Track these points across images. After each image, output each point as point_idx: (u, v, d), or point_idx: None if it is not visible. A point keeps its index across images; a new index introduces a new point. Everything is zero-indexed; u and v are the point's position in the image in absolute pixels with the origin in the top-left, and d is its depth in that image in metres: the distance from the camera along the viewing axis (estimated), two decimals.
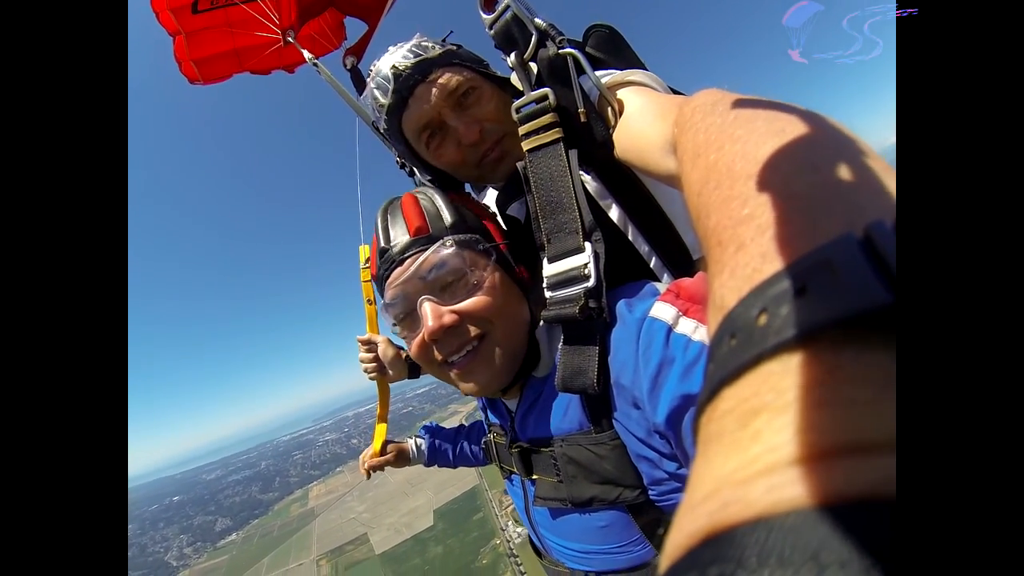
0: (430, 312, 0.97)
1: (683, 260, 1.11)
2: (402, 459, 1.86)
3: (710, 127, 0.51)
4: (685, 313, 0.80)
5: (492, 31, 1.07)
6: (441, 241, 0.98)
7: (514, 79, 1.12)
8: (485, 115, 1.13)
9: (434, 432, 1.94)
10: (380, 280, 1.07)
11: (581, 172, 1.00)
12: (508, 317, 1.00)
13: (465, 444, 1.86)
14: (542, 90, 1.00)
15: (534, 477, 1.07)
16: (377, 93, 1.15)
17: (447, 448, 1.88)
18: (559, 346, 0.95)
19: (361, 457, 1.87)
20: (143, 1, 1.81)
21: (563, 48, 0.99)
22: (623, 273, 1.01)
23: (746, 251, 0.33)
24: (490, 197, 1.39)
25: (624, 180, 1.09)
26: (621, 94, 0.97)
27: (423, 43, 1.14)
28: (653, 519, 0.91)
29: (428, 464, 1.91)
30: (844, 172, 0.35)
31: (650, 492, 0.89)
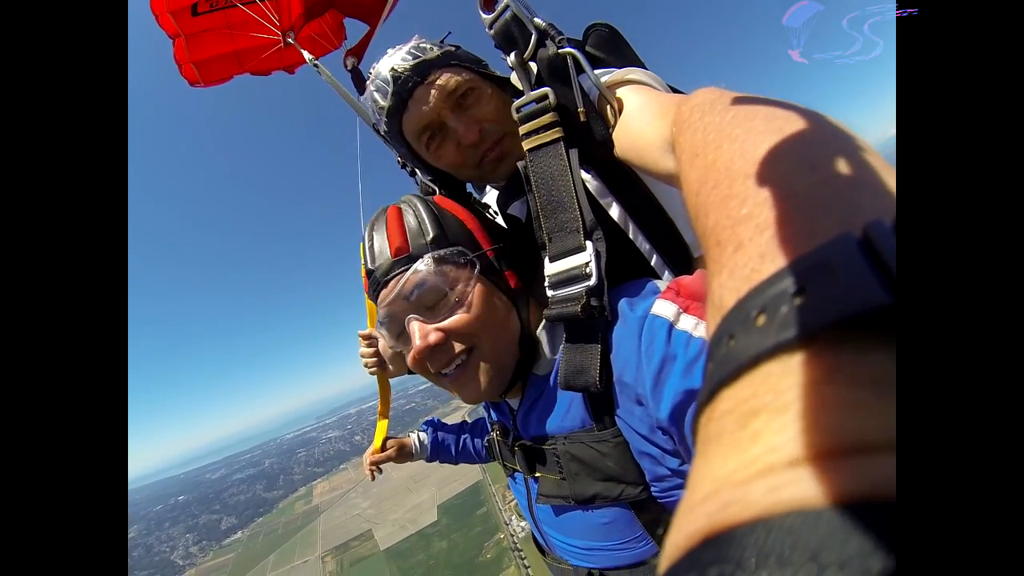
0: (416, 332, 0.98)
1: (683, 258, 1.11)
2: (404, 454, 1.86)
3: (708, 126, 0.50)
4: (686, 310, 0.81)
5: (492, 31, 1.06)
6: (420, 261, 0.98)
7: (514, 79, 1.11)
8: (485, 115, 1.13)
9: (437, 427, 1.93)
10: (373, 299, 1.08)
11: (581, 171, 0.99)
12: (493, 329, 1.00)
13: (468, 440, 1.85)
14: (542, 89, 1.00)
15: (537, 475, 1.07)
16: (377, 96, 1.15)
17: (450, 444, 1.86)
18: (561, 344, 0.96)
19: (364, 456, 1.87)
20: (142, 4, 1.81)
21: (563, 47, 0.99)
22: (624, 271, 1.01)
23: (744, 251, 0.33)
24: (491, 196, 1.39)
25: (624, 179, 1.08)
26: (620, 93, 0.97)
27: (422, 44, 1.14)
28: (655, 516, 0.92)
29: (430, 459, 1.90)
30: (843, 171, 0.35)
31: (652, 489, 0.89)
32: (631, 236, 1.11)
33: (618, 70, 1.02)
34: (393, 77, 1.10)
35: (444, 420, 1.99)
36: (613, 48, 1.15)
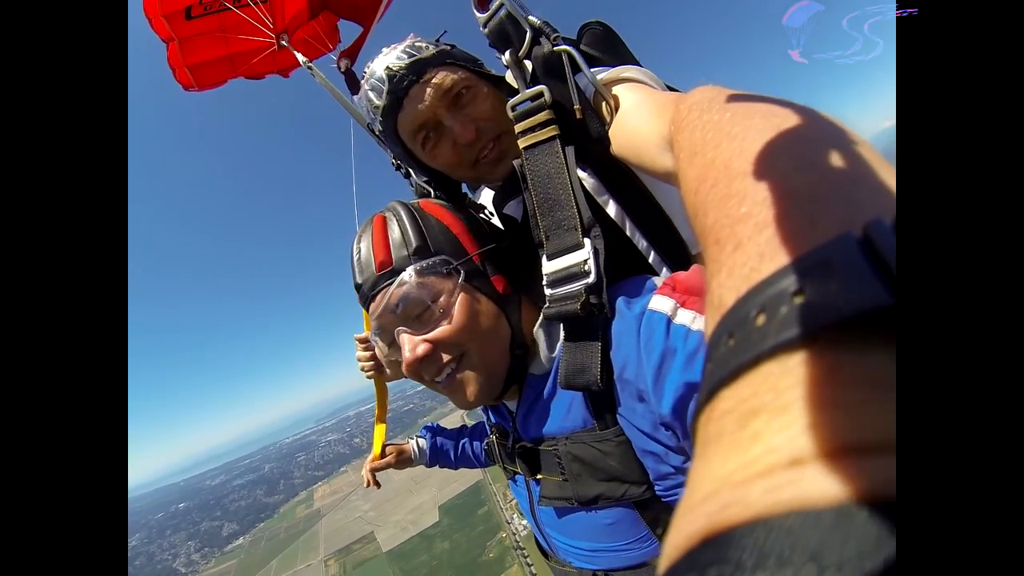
0: (406, 344, 0.99)
1: (681, 255, 1.11)
2: (403, 460, 1.85)
3: (707, 124, 0.50)
4: (683, 305, 0.81)
5: (486, 30, 1.06)
6: (404, 273, 0.99)
7: (509, 77, 1.11)
8: (480, 114, 1.12)
9: (436, 432, 1.92)
10: (365, 310, 1.09)
11: (578, 169, 0.99)
12: (481, 337, 1.00)
13: (467, 444, 1.84)
14: (537, 87, 0.99)
15: (538, 477, 1.07)
16: (372, 95, 1.14)
17: (449, 449, 1.86)
18: (559, 343, 0.95)
19: (364, 464, 1.86)
20: (135, 8, 1.81)
21: (557, 45, 0.98)
22: (622, 269, 1.01)
23: (744, 250, 0.33)
24: (486, 196, 1.39)
25: (621, 176, 1.08)
26: (616, 91, 0.97)
27: (417, 43, 1.14)
28: (659, 515, 0.92)
29: (430, 465, 1.89)
30: (842, 169, 0.35)
31: (656, 487, 0.89)
32: (628, 233, 1.11)
33: (614, 68, 1.02)
34: (388, 76, 1.10)
35: (443, 420, 1.98)
36: (608, 46, 1.15)
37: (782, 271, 0.27)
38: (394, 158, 1.43)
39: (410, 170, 1.39)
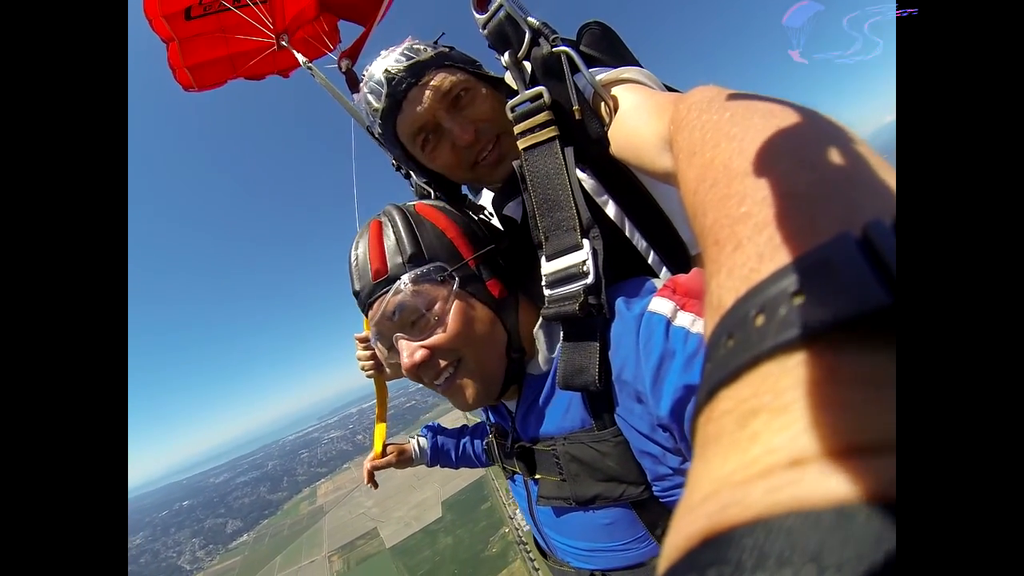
0: (404, 350, 1.01)
1: (681, 256, 1.11)
2: (404, 460, 1.85)
3: (706, 124, 0.50)
4: (682, 307, 0.81)
5: (485, 31, 1.06)
6: (399, 282, 1.00)
7: (508, 79, 1.11)
8: (479, 115, 1.12)
9: (437, 431, 1.92)
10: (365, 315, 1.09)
11: (577, 169, 0.99)
12: (476, 343, 1.01)
13: (468, 444, 1.84)
14: (536, 88, 0.99)
15: (537, 476, 1.07)
16: (371, 98, 1.14)
17: (449, 448, 1.86)
18: (559, 344, 0.95)
19: (365, 463, 1.86)
20: (135, 8, 1.81)
21: (556, 46, 0.98)
22: (621, 270, 1.01)
23: (743, 250, 0.32)
24: (486, 197, 1.39)
25: (620, 177, 1.08)
26: (616, 91, 0.97)
27: (415, 46, 1.14)
28: (657, 516, 0.92)
29: (431, 464, 1.90)
30: (842, 170, 0.35)
31: (654, 488, 0.89)
32: (628, 234, 1.11)
33: (613, 69, 1.02)
34: (387, 79, 1.10)
35: (445, 417, 1.97)
36: (608, 47, 1.15)
37: (781, 271, 0.27)
38: (394, 159, 1.43)
39: (410, 172, 1.39)
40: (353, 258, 1.07)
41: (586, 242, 0.92)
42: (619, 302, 0.91)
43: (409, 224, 1.05)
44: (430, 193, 1.35)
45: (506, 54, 1.05)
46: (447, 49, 1.16)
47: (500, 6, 1.02)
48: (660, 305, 0.83)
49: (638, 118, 0.90)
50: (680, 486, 0.88)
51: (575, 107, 0.97)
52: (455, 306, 0.99)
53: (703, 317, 0.34)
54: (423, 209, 1.10)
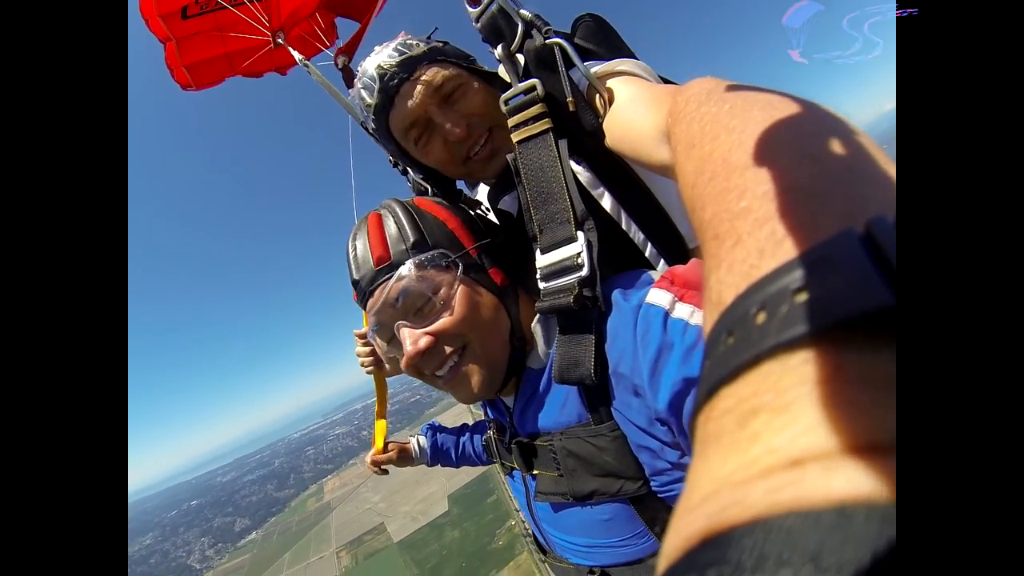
0: (407, 337, 0.99)
1: (678, 248, 1.11)
2: (404, 458, 1.85)
3: (704, 116, 0.49)
4: (681, 299, 0.80)
5: (478, 24, 1.06)
6: (402, 267, 0.99)
7: (501, 72, 1.11)
8: (471, 109, 1.12)
9: (437, 430, 1.92)
10: (361, 308, 1.08)
11: (572, 162, 0.99)
12: (482, 328, 1.00)
13: (468, 442, 1.83)
14: (530, 81, 0.99)
15: (534, 472, 1.07)
16: (364, 93, 1.14)
17: (449, 447, 1.86)
18: (555, 337, 0.95)
19: (367, 458, 1.87)
20: (131, 8, 1.80)
21: (549, 38, 0.98)
22: (618, 262, 1.01)
23: (743, 246, 0.32)
24: (482, 192, 1.39)
25: (616, 169, 1.08)
26: (611, 83, 0.96)
27: (408, 41, 1.14)
28: (655, 511, 0.91)
29: (431, 464, 1.89)
30: (843, 164, 0.34)
31: (652, 483, 0.88)
32: (624, 227, 1.11)
33: (608, 61, 1.02)
34: (379, 74, 1.10)
35: (448, 413, 1.96)
36: (603, 39, 1.14)
37: (783, 268, 0.27)
38: (390, 155, 1.44)
39: (407, 167, 1.39)
40: (351, 248, 1.06)
41: (580, 234, 0.91)
42: (616, 294, 0.90)
43: (410, 214, 1.05)
44: (427, 190, 1.35)
45: (499, 47, 1.04)
46: (440, 44, 1.16)
47: None
48: (658, 296, 0.82)
49: (634, 110, 0.89)
50: (678, 481, 0.87)
51: (569, 99, 0.96)
52: (461, 290, 0.99)
53: (701, 308, 0.34)
54: (422, 202, 1.10)
